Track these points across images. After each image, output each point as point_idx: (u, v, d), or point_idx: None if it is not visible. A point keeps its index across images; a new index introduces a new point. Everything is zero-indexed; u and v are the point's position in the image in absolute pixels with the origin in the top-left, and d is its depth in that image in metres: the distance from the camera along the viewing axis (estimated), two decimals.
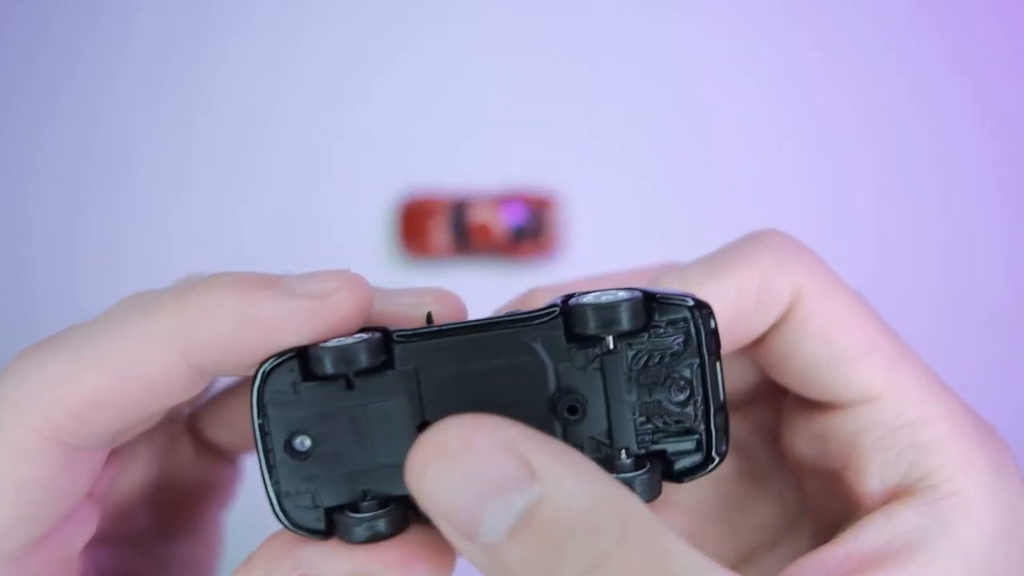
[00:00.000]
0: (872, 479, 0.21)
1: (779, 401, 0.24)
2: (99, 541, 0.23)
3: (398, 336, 0.19)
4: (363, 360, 0.18)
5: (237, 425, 0.26)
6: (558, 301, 0.19)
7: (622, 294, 0.19)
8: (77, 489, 0.20)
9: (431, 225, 0.63)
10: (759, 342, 0.22)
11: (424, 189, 0.64)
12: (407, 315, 0.20)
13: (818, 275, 0.21)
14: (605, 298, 0.19)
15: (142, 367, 0.18)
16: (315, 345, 0.18)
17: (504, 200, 0.63)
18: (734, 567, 0.18)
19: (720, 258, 0.21)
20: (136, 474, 0.25)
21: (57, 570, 0.21)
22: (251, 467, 0.23)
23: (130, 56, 0.65)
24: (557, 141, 0.65)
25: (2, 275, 0.63)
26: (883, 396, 0.21)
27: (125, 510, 0.25)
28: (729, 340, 0.21)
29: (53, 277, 0.63)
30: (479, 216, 0.63)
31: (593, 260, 0.64)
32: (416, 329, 0.19)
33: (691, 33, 0.66)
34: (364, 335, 0.19)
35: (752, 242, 0.22)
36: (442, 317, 0.20)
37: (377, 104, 0.66)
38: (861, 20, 0.67)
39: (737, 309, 0.21)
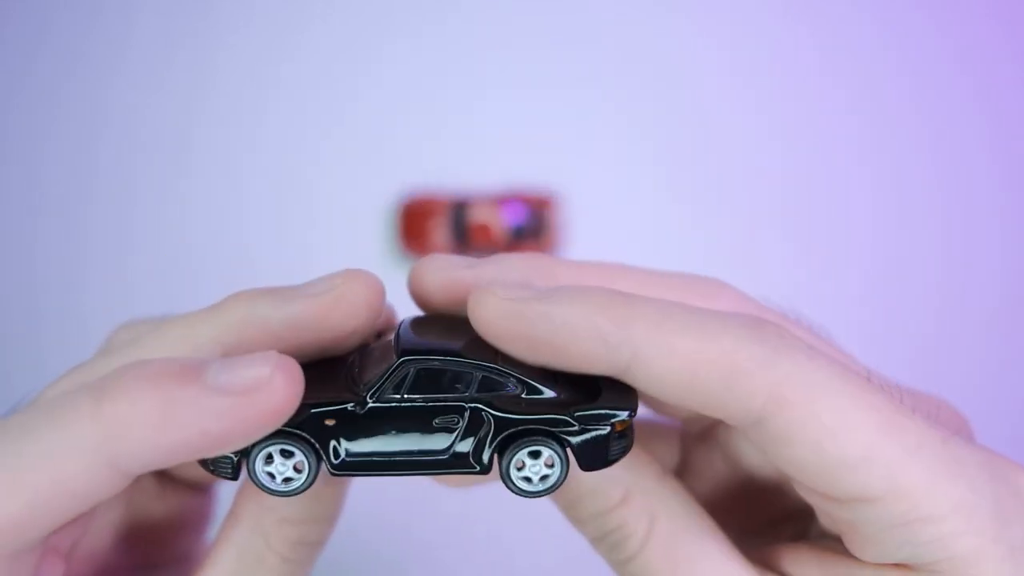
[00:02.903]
0: (872, 554, 0.20)
1: None
2: None
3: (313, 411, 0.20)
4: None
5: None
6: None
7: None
8: None
9: (431, 225, 0.63)
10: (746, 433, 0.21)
11: (424, 189, 0.64)
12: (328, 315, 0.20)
13: (806, 381, 0.19)
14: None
15: (69, 482, 0.18)
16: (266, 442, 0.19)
17: (504, 200, 0.63)
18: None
19: (709, 323, 0.20)
20: (102, 522, 0.25)
21: None
22: (225, 492, 0.25)
23: (130, 56, 0.65)
24: (557, 141, 0.65)
25: (4, 275, 0.63)
26: (883, 499, 0.19)
27: (101, 554, 0.25)
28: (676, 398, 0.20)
29: (55, 276, 0.63)
30: (479, 216, 0.63)
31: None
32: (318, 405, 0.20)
33: (691, 33, 0.66)
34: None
35: (747, 328, 0.20)
36: (354, 292, 0.21)
37: (377, 104, 0.66)
38: (861, 20, 0.67)
39: (688, 382, 0.19)
